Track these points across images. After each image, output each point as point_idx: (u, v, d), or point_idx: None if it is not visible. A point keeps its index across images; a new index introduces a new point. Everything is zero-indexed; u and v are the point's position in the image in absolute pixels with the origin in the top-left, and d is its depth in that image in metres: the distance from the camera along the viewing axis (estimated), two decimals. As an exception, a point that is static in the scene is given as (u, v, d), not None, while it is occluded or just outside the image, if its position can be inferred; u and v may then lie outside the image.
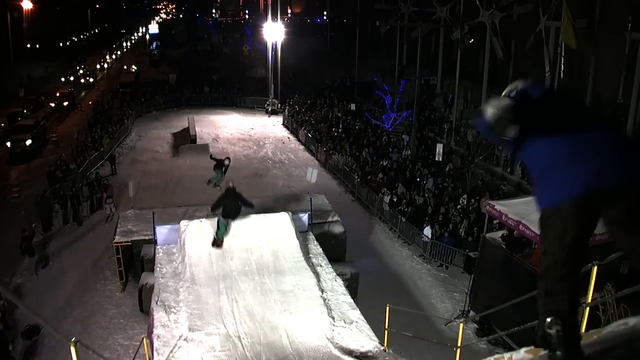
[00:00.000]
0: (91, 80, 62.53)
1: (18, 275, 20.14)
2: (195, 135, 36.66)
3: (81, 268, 20.27)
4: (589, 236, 2.93)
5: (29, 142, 35.33)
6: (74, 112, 47.68)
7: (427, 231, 21.45)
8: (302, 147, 36.94)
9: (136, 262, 17.96)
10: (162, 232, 16.73)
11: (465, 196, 23.77)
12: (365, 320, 12.34)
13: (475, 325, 16.80)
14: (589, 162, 2.77)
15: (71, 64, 72.52)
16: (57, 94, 49.73)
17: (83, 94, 56.34)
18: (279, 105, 46.77)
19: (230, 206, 16.65)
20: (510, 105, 2.88)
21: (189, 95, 50.67)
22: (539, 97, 3.03)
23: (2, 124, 39.83)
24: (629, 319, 3.62)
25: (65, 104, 48.65)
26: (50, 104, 48.62)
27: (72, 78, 63.54)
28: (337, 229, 19.04)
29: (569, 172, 2.81)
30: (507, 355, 4.54)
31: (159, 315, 12.51)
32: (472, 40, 34.15)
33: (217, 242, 16.37)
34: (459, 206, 23.13)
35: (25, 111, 45.19)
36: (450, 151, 31.61)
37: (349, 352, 11.22)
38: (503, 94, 3.18)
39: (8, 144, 35.40)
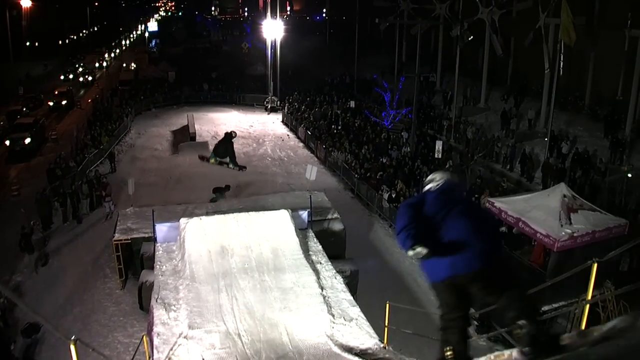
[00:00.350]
0: (90, 78, 62.26)
1: (18, 273, 20.15)
2: (195, 133, 36.67)
3: (81, 266, 20.27)
4: (466, 297, 4.42)
5: (28, 140, 35.12)
6: (74, 110, 47.62)
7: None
8: (301, 144, 36.94)
9: (136, 260, 17.97)
10: (161, 229, 16.73)
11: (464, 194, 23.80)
12: (365, 318, 12.34)
13: (475, 322, 16.81)
14: (453, 257, 4.23)
15: (70, 62, 72.42)
16: (56, 93, 49.47)
17: (82, 92, 56.09)
18: (278, 102, 46.75)
19: (221, 148, 26.54)
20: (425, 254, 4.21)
21: (188, 93, 50.56)
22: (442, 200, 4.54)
23: (2, 122, 39.71)
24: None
25: (64, 102, 48.33)
26: (49, 103, 48.27)
27: (71, 76, 63.41)
28: (337, 226, 19.06)
29: (441, 263, 4.28)
30: (506, 352, 4.56)
31: (158, 313, 12.51)
32: (472, 37, 34.15)
33: (201, 157, 26.01)
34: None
35: (24, 109, 45.09)
36: (450, 148, 31.62)
37: (349, 350, 11.21)
38: (427, 179, 4.92)
39: (7, 142, 35.18)
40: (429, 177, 4.92)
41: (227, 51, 76.17)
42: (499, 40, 33.36)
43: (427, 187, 4.81)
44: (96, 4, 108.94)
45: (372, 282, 17.97)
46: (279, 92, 47.62)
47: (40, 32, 74.33)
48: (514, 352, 4.32)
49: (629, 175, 23.80)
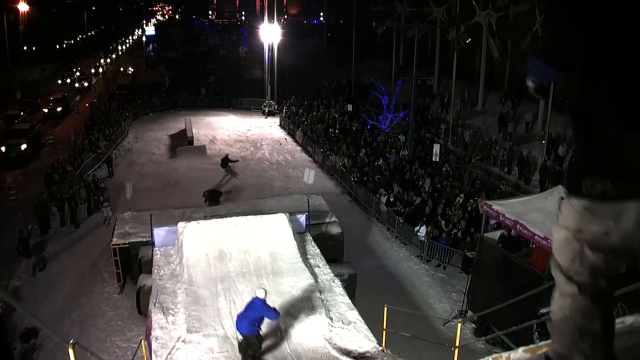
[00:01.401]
0: (86, 84, 61.81)
1: (16, 277, 20.10)
2: (193, 137, 36.64)
3: (79, 270, 20.25)
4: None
5: (24, 146, 34.73)
6: (71, 115, 47.58)
7: (422, 230, 21.46)
8: (299, 148, 36.97)
9: (134, 264, 17.94)
10: (159, 234, 16.71)
11: (462, 196, 23.81)
12: (363, 321, 12.35)
13: (473, 325, 16.82)
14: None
15: (68, 66, 72.40)
16: (51, 99, 48.87)
17: (77, 98, 55.39)
18: (276, 106, 46.81)
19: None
20: None
21: (185, 97, 50.64)
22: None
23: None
24: (625, 318, 3.64)
25: (59, 109, 47.62)
26: (44, 110, 47.67)
27: (68, 80, 63.31)
28: (335, 229, 19.05)
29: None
30: (505, 354, 4.55)
31: (157, 317, 12.51)
32: (470, 39, 34.13)
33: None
34: (456, 206, 23.15)
35: (22, 114, 45.01)
36: (448, 151, 31.63)
37: (347, 353, 11.23)
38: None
39: (2, 148, 34.61)
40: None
41: (225, 55, 76.22)
42: (496, 43, 33.39)
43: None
44: (93, 8, 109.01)
45: (370, 286, 17.97)
46: (276, 95, 47.69)
47: (37, 37, 74.32)
48: (512, 355, 4.31)
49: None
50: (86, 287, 19.03)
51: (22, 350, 15.75)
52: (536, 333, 14.59)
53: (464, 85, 39.32)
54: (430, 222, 21.90)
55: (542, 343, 4.29)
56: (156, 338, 11.73)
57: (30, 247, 20.76)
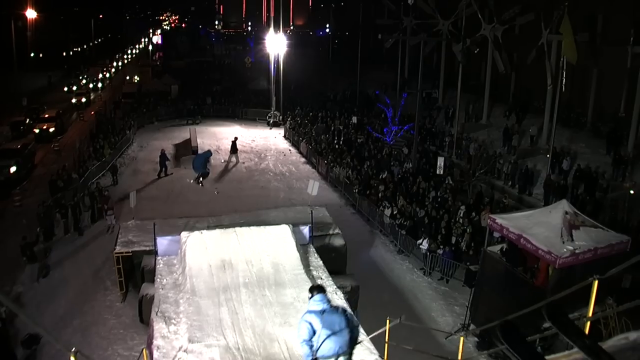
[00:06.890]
0: (84, 100, 58.05)
1: (18, 284, 20.12)
2: (197, 147, 36.72)
3: (82, 278, 20.26)
4: None
5: (13, 169, 31.03)
6: (76, 122, 47.59)
7: (425, 244, 21.43)
8: (303, 159, 36.98)
9: (137, 273, 17.96)
10: (162, 243, 16.71)
11: (463, 208, 23.77)
12: (365, 333, 12.28)
13: (476, 339, 16.75)
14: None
15: (74, 74, 72.58)
16: (46, 116, 44.62)
17: (74, 115, 51.08)
18: (281, 117, 46.91)
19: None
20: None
21: (191, 107, 50.76)
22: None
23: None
24: (629, 333, 3.62)
25: (52, 130, 42.22)
26: (35, 131, 41.90)
27: (74, 88, 63.07)
28: (338, 241, 19.04)
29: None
30: (507, 369, 4.53)
31: (158, 326, 12.48)
32: (478, 49, 34.16)
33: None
34: (459, 219, 23.09)
35: (28, 120, 44.95)
36: (452, 165, 31.60)
37: (349, 365, 11.17)
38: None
39: None
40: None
41: (230, 65, 76.58)
42: (502, 56, 33.45)
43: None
44: (100, 16, 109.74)
45: (372, 298, 17.93)
46: (281, 106, 47.80)
47: (44, 44, 74.68)
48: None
49: (632, 192, 23.78)
50: (89, 295, 19.04)
51: (24, 356, 15.74)
52: (539, 348, 14.54)
53: (469, 98, 39.38)
54: (432, 234, 21.87)
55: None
56: (158, 347, 11.70)
57: (35, 252, 20.81)
